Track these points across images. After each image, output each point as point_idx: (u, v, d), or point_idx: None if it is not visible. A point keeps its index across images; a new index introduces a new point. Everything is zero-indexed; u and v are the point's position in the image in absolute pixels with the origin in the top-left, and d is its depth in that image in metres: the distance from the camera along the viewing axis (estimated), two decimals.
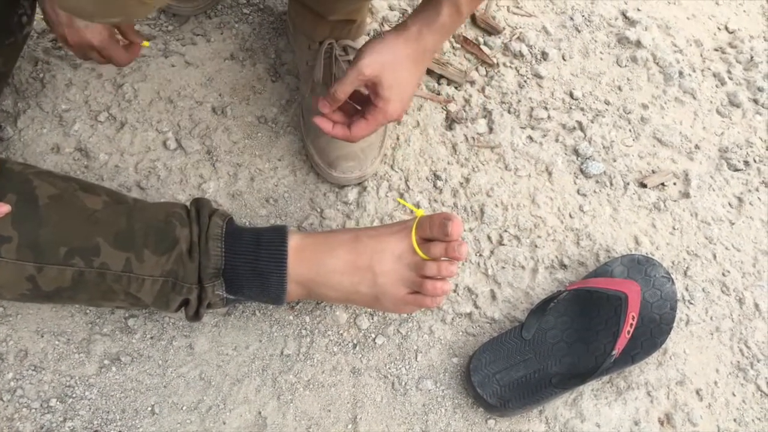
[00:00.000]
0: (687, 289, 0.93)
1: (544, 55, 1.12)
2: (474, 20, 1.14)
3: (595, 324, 0.85)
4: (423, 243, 0.74)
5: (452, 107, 1.04)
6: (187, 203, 0.77)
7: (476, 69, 1.09)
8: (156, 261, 0.70)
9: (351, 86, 0.73)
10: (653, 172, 1.03)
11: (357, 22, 0.95)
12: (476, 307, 0.89)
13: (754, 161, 1.06)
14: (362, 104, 0.78)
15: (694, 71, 1.14)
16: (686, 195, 1.01)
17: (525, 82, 1.09)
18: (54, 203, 0.66)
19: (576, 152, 1.03)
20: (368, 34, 1.09)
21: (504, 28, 1.13)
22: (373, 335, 0.86)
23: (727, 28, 1.21)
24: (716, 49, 1.18)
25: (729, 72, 1.15)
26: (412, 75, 0.74)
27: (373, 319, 0.87)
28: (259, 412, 0.81)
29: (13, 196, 0.64)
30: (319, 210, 0.93)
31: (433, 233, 0.72)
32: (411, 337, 0.87)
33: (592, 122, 1.06)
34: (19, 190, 0.65)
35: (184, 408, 0.80)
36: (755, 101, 1.12)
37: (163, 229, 0.71)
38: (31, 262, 0.65)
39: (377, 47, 0.72)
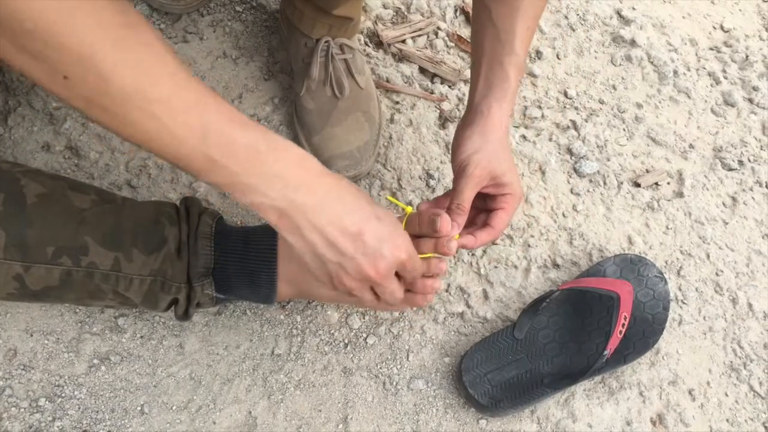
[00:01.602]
0: (680, 289, 0.93)
1: (539, 54, 1.11)
2: (468, 18, 1.13)
3: (588, 324, 0.85)
4: (413, 240, 0.74)
5: (445, 106, 1.04)
6: (177, 202, 0.76)
7: (470, 67, 1.09)
8: (144, 260, 0.69)
9: (473, 192, 0.70)
10: (647, 171, 1.02)
11: (354, 21, 0.95)
12: (468, 306, 0.89)
13: (749, 161, 1.05)
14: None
15: (689, 70, 1.13)
16: (680, 194, 1.01)
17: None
18: (42, 202, 0.66)
19: (570, 151, 1.02)
20: (361, 32, 1.09)
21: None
22: (365, 335, 0.86)
23: (722, 27, 1.21)
24: (711, 48, 1.17)
25: (724, 71, 1.14)
26: (509, 149, 0.74)
27: (364, 318, 0.87)
28: (250, 412, 0.80)
29: (0, 194, 0.64)
30: None
31: (422, 230, 0.72)
32: (402, 336, 0.86)
33: (586, 121, 1.05)
34: (7, 189, 0.65)
35: (174, 408, 0.80)
36: (750, 100, 1.12)
37: (151, 228, 0.70)
38: (18, 262, 0.65)
39: (472, 145, 0.70)
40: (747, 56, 1.16)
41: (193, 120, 0.51)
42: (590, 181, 1.00)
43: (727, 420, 0.85)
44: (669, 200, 1.00)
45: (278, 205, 0.55)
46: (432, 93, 1.05)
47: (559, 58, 1.12)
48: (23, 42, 0.45)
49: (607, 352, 0.79)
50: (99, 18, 0.46)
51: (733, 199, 1.02)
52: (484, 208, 0.74)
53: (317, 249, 0.58)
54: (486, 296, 0.90)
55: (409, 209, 0.73)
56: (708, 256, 0.96)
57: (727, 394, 0.87)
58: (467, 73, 1.07)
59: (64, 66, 0.46)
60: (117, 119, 0.50)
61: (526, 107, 1.06)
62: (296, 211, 0.56)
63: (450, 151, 0.78)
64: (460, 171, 0.70)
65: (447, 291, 0.90)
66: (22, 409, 0.78)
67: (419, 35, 1.11)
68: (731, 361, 0.89)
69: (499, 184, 0.71)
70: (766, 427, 0.85)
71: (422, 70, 1.08)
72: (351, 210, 0.57)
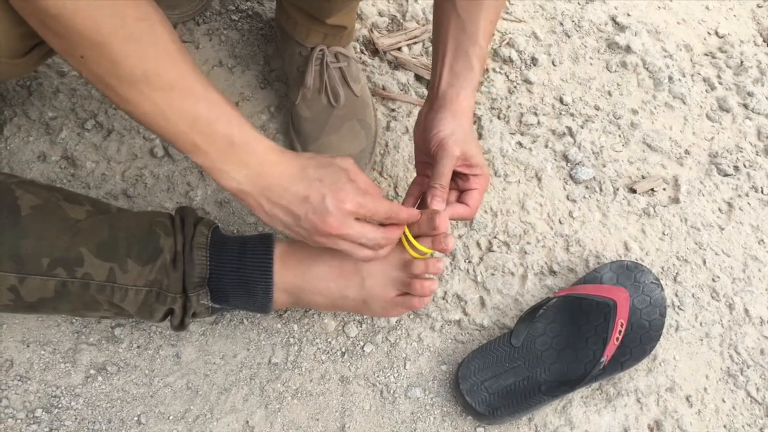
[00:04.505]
0: (677, 295, 0.93)
1: (534, 61, 1.12)
2: None
3: (585, 331, 0.85)
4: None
5: None
6: (172, 212, 0.76)
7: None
8: (140, 271, 0.69)
9: (450, 171, 0.74)
10: (643, 177, 1.03)
11: (348, 29, 0.95)
12: (465, 314, 0.89)
13: (744, 166, 1.06)
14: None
15: (684, 76, 1.14)
16: (676, 200, 1.01)
17: (515, 87, 1.09)
18: (36, 214, 0.66)
19: (566, 158, 1.02)
20: (357, 40, 1.09)
21: (493, 34, 1.13)
22: (362, 343, 0.86)
23: (717, 33, 1.21)
24: (706, 54, 1.18)
25: (719, 77, 1.15)
26: (475, 135, 0.79)
27: (361, 326, 0.87)
28: (247, 422, 0.80)
29: None
30: None
31: (420, 229, 0.73)
32: (400, 344, 0.86)
33: (582, 128, 1.06)
34: (1, 200, 0.65)
35: (171, 418, 0.80)
36: (745, 106, 1.12)
37: (146, 238, 0.70)
38: (13, 273, 0.65)
39: (447, 127, 0.74)
40: (742, 62, 1.16)
41: (186, 109, 0.59)
42: (586, 187, 1.00)
43: (725, 426, 0.85)
44: (665, 206, 1.00)
45: (244, 189, 0.65)
46: None
47: (554, 65, 1.12)
48: (48, 23, 0.53)
49: (604, 359, 0.79)
50: (117, 10, 0.53)
51: (729, 204, 1.02)
52: (453, 188, 0.78)
53: (282, 219, 0.66)
54: (483, 304, 0.90)
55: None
56: (704, 262, 0.96)
57: (724, 400, 0.87)
58: None
59: (81, 48, 0.54)
60: (120, 98, 0.58)
61: (522, 114, 1.06)
62: (258, 192, 0.65)
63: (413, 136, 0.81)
64: (438, 151, 0.74)
65: (444, 298, 0.90)
66: (19, 420, 0.78)
67: (415, 43, 1.11)
68: (728, 367, 0.89)
69: (471, 164, 0.75)
70: None
71: (418, 78, 1.08)
72: (298, 180, 0.65)
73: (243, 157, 0.63)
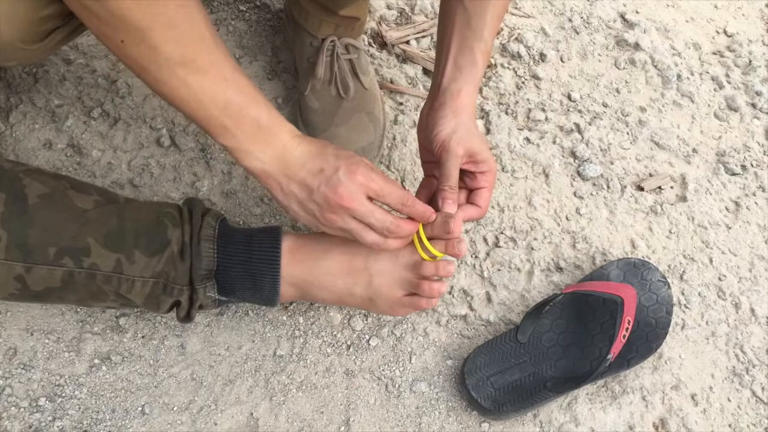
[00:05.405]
0: (683, 294, 0.93)
1: (542, 57, 1.11)
2: None
3: (591, 328, 0.85)
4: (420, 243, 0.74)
5: None
6: (180, 203, 0.76)
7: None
8: (147, 262, 0.69)
9: (457, 171, 0.73)
10: (650, 175, 1.02)
11: (360, 20, 0.95)
12: (471, 309, 0.89)
13: (752, 165, 1.05)
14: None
15: (693, 74, 1.13)
16: (683, 199, 1.00)
17: (523, 83, 1.08)
18: (44, 202, 0.65)
19: (573, 154, 1.02)
20: (365, 33, 1.08)
21: (502, 29, 1.13)
22: (367, 337, 0.86)
23: (725, 32, 1.21)
24: (715, 53, 1.17)
25: (727, 76, 1.14)
26: (478, 128, 0.79)
27: (367, 320, 0.86)
28: (251, 413, 0.80)
29: (2, 194, 0.63)
30: None
31: (434, 232, 0.72)
32: (405, 338, 0.86)
33: (590, 124, 1.05)
34: (9, 188, 0.64)
35: (175, 408, 0.80)
36: (753, 105, 1.12)
37: (154, 229, 0.70)
38: (20, 262, 0.64)
39: (448, 125, 0.73)
40: (750, 61, 1.16)
41: (219, 94, 0.61)
42: (594, 184, 1.00)
43: (730, 425, 0.85)
44: (672, 204, 1.00)
45: (267, 169, 0.66)
46: None
47: (562, 61, 1.12)
48: (93, 7, 0.55)
49: (611, 356, 0.79)
50: None
51: (736, 203, 1.01)
52: (461, 186, 0.77)
53: (297, 195, 0.67)
54: (489, 299, 0.90)
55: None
56: (711, 261, 0.96)
57: (729, 399, 0.87)
58: None
59: (123, 32, 0.56)
60: (156, 81, 0.60)
61: (529, 110, 1.05)
62: (279, 170, 0.66)
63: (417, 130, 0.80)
64: (442, 152, 0.73)
65: (450, 293, 0.89)
66: (22, 409, 0.77)
67: (423, 36, 1.11)
68: (734, 366, 0.89)
69: (476, 161, 0.74)
70: None
71: (426, 71, 1.08)
72: (315, 156, 0.67)
73: (268, 139, 0.65)
